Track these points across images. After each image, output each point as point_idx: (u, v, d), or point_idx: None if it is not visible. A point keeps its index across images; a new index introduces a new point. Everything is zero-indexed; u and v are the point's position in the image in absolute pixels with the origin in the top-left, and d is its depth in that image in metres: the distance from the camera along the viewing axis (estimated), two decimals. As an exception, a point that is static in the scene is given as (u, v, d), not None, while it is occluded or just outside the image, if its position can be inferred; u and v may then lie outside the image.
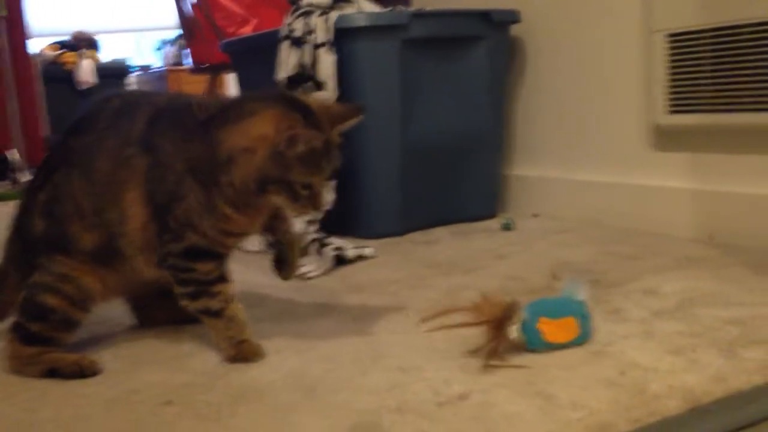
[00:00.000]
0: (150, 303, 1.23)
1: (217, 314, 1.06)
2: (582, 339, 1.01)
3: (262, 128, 0.99)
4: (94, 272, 1.07)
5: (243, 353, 1.05)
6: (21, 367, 1.04)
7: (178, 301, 1.08)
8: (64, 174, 1.07)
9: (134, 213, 1.05)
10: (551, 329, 0.99)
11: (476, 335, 0.98)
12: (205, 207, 1.02)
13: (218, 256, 1.06)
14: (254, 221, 1.08)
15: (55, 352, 1.05)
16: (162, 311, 1.23)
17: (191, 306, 1.07)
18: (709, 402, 0.84)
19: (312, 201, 1.03)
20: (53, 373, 1.02)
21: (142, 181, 1.04)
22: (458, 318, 1.00)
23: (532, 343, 0.99)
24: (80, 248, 1.06)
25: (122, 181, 1.05)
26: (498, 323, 0.97)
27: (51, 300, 1.04)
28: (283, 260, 1.15)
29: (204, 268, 1.05)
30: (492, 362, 0.95)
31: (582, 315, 1.02)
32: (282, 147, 0.98)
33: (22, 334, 1.05)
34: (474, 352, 0.99)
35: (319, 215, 1.04)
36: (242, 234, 1.09)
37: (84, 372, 1.02)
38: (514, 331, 0.97)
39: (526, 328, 0.98)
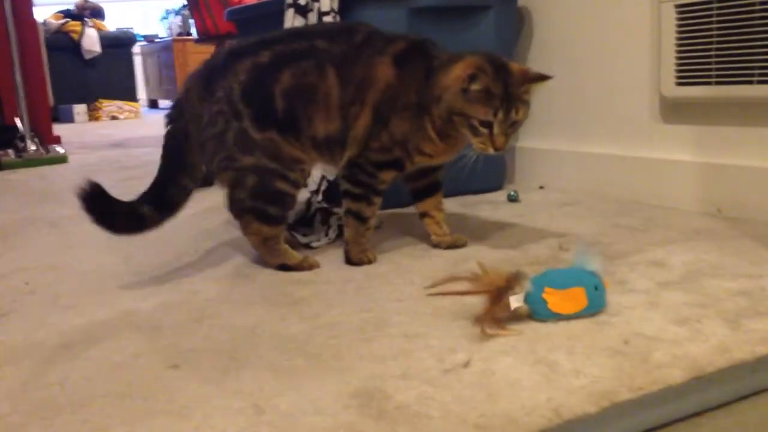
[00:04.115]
0: None
1: (364, 220, 1.35)
2: (592, 309, 1.01)
3: (458, 71, 1.25)
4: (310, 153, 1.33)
5: (361, 260, 1.34)
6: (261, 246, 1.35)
7: (341, 197, 1.37)
8: (314, 68, 1.30)
9: (366, 113, 1.30)
10: (556, 300, 0.99)
11: (480, 304, 0.98)
12: (419, 131, 1.30)
13: (401, 170, 1.35)
14: (448, 151, 1.36)
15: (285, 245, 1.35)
16: None
17: (348, 206, 1.35)
18: (712, 372, 0.84)
19: (491, 139, 1.24)
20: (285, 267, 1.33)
21: (381, 88, 1.30)
22: (460, 287, 1.01)
23: (538, 314, 0.99)
24: (310, 134, 1.31)
25: (369, 84, 1.30)
26: (498, 293, 0.97)
27: (282, 185, 1.31)
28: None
29: (386, 177, 1.34)
30: (490, 330, 0.95)
31: (592, 285, 1.01)
32: (464, 84, 1.23)
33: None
34: (475, 321, 0.99)
35: (499, 151, 1.27)
36: (433, 157, 1.36)
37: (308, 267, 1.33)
38: (515, 301, 0.97)
39: (531, 298, 0.98)
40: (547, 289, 0.99)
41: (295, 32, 1.41)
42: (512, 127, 1.26)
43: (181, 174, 1.34)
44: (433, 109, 1.28)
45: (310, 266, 1.33)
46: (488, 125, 1.23)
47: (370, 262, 1.35)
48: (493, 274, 0.99)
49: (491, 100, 1.22)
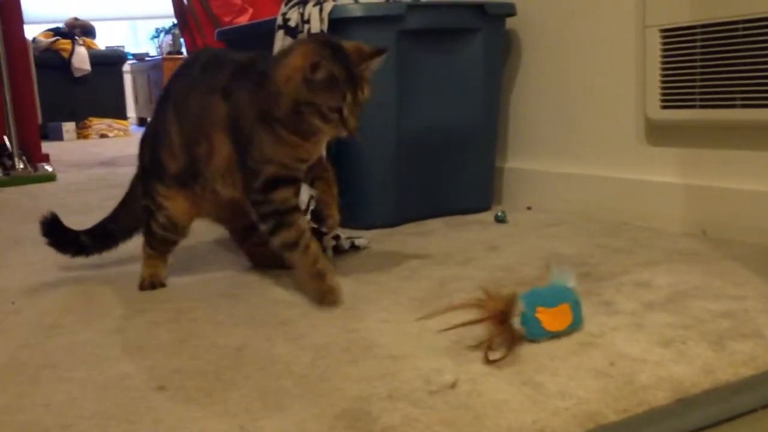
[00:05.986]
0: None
1: (294, 246, 1.25)
2: (575, 325, 1.03)
3: (297, 61, 1.21)
4: (178, 195, 1.37)
5: (323, 301, 1.23)
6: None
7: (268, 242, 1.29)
8: (163, 111, 1.38)
9: (220, 149, 1.31)
10: (548, 318, 1.00)
11: (481, 328, 0.99)
12: (277, 141, 1.25)
13: (293, 182, 1.29)
14: (318, 146, 1.32)
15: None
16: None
17: (273, 243, 1.27)
18: (696, 393, 0.85)
19: (342, 123, 1.22)
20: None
21: (225, 124, 1.30)
22: (461, 314, 1.00)
23: (533, 333, 0.99)
24: (168, 173, 1.36)
25: (211, 123, 1.31)
26: (502, 317, 0.97)
27: (155, 226, 1.40)
28: (321, 216, 1.36)
29: (281, 196, 1.27)
30: (498, 355, 0.95)
31: (574, 301, 1.03)
32: (308, 73, 1.19)
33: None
34: (476, 347, 0.98)
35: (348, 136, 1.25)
36: (310, 158, 1.31)
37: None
38: (515, 323, 0.98)
39: (526, 318, 0.98)
40: (539, 309, 1.00)
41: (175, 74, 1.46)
42: (359, 107, 1.24)
43: (122, 213, 1.53)
44: (275, 111, 1.23)
45: (149, 286, 1.41)
46: (338, 110, 1.21)
47: (333, 302, 1.23)
48: (495, 298, 0.99)
49: (337, 84, 1.20)
